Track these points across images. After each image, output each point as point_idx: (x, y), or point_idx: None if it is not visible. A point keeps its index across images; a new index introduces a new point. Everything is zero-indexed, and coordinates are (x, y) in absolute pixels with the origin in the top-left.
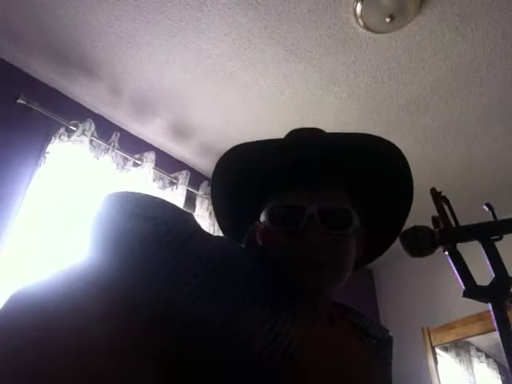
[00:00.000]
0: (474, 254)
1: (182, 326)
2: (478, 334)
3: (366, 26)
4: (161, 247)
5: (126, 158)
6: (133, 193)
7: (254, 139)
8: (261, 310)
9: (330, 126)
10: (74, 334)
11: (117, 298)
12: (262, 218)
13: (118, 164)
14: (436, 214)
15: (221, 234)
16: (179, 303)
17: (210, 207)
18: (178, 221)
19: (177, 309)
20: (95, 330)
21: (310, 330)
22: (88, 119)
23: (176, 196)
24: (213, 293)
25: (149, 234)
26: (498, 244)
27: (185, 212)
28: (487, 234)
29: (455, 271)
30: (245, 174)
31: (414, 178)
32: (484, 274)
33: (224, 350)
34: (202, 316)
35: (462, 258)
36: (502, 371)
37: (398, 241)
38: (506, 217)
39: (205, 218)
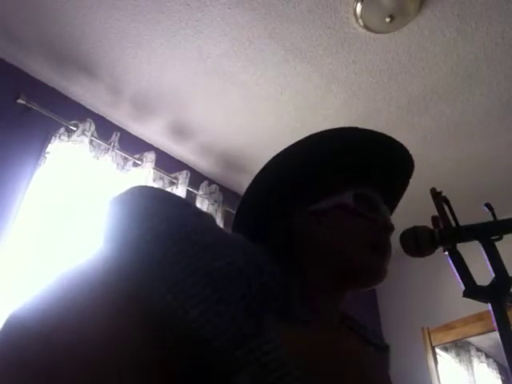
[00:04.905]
0: (473, 253)
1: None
2: (478, 334)
3: (366, 26)
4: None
5: (125, 158)
6: (157, 189)
7: (254, 139)
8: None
9: (330, 126)
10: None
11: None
12: (333, 203)
13: (117, 164)
14: (436, 213)
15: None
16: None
17: (210, 207)
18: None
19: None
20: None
21: (325, 339)
22: (88, 119)
23: None
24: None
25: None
26: (498, 244)
27: (206, 214)
28: (487, 233)
29: (455, 271)
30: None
31: (413, 178)
32: (484, 274)
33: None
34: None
35: (462, 258)
36: (502, 371)
37: (397, 241)
38: (506, 217)
39: None
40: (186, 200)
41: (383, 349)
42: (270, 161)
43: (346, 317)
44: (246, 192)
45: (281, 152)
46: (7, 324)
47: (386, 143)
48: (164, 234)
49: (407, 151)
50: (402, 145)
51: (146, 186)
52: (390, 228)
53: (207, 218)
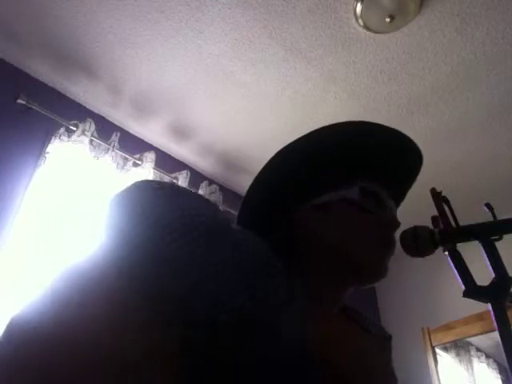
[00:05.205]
0: (474, 253)
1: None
2: (478, 334)
3: (365, 26)
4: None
5: (126, 158)
6: (164, 182)
7: (254, 139)
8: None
9: None
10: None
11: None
12: (338, 197)
13: (118, 164)
14: (436, 213)
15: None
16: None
17: None
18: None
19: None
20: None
21: (328, 324)
22: (88, 119)
23: None
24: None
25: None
26: (498, 244)
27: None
28: (487, 233)
29: (455, 271)
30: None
31: None
32: (484, 274)
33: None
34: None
35: (462, 258)
36: (502, 371)
37: (397, 241)
38: (506, 217)
39: None
40: (188, 189)
41: (385, 339)
42: (272, 157)
43: (346, 307)
44: (249, 190)
45: (283, 148)
46: (9, 327)
47: (396, 137)
48: (165, 229)
49: (416, 145)
50: (410, 139)
51: (145, 181)
52: (396, 225)
53: (211, 205)
